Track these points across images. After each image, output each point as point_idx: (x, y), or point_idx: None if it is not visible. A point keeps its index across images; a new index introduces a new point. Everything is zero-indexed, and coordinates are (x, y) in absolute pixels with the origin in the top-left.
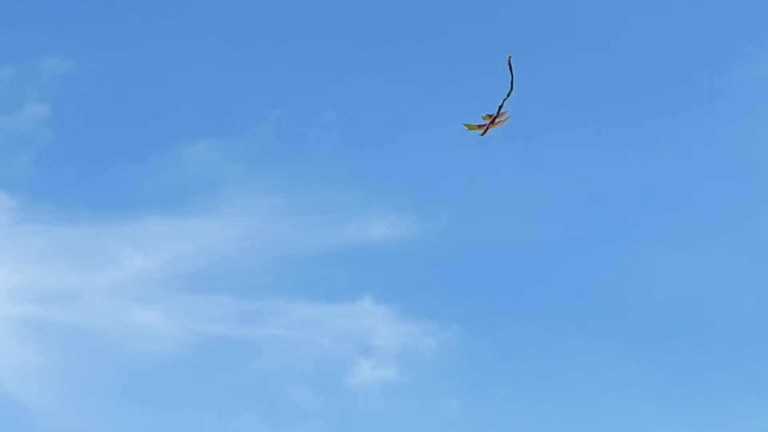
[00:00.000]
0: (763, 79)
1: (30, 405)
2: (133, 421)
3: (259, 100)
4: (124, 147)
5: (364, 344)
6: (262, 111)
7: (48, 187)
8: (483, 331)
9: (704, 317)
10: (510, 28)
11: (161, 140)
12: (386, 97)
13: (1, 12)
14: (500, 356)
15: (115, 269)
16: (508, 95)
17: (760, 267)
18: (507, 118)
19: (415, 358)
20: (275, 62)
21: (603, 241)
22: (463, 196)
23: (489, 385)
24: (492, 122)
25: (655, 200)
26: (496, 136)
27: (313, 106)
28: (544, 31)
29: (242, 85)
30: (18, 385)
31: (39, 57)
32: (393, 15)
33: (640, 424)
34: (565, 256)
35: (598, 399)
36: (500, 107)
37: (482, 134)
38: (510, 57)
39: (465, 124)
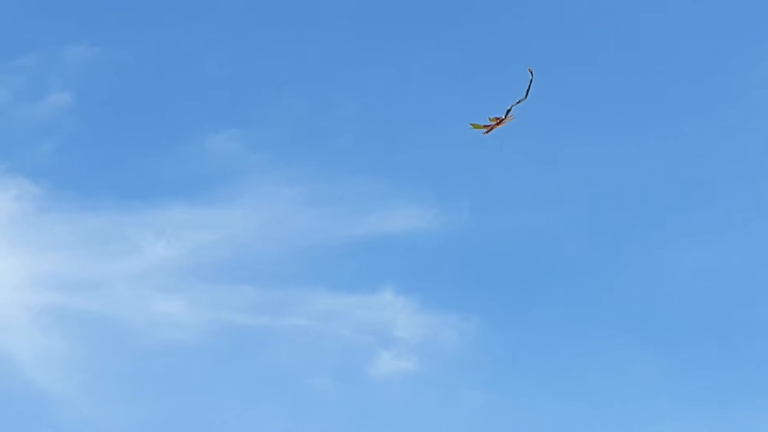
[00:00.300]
0: None
1: (52, 392)
2: (155, 409)
3: (282, 90)
4: (147, 136)
5: (384, 335)
6: (284, 101)
7: (71, 175)
8: (503, 324)
9: (724, 313)
10: (529, 27)
11: (184, 129)
12: (407, 89)
13: (25, 1)
14: (520, 349)
15: (138, 258)
16: (519, 101)
17: None
18: (511, 118)
19: (436, 350)
20: (298, 54)
21: (624, 236)
22: (485, 189)
23: (508, 377)
24: (498, 123)
25: (676, 197)
26: (522, 133)
27: (334, 98)
28: (565, 30)
29: (265, 75)
30: (40, 372)
31: (63, 46)
32: (415, 9)
33: (659, 420)
34: (586, 251)
35: (617, 393)
36: (509, 110)
37: (485, 133)
38: (531, 70)
39: (471, 124)
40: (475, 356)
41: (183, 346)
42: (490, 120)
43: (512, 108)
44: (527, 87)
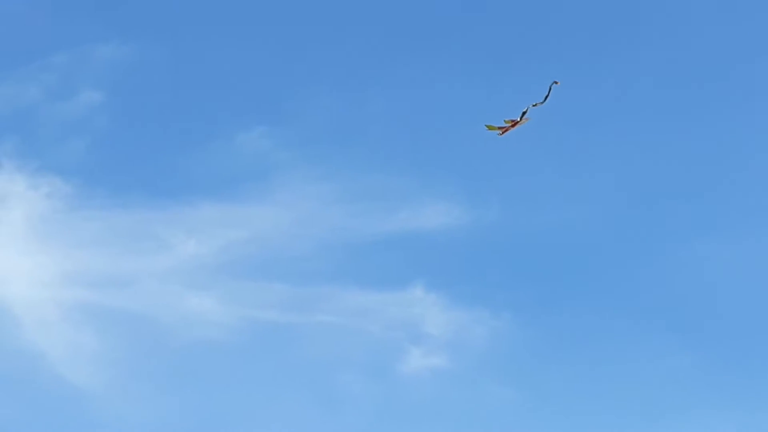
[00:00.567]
0: None
1: (82, 388)
2: (185, 405)
3: (311, 88)
4: (177, 134)
5: (414, 332)
6: (314, 99)
7: (102, 173)
8: (533, 320)
9: (752, 307)
10: (556, 25)
11: (214, 127)
12: (437, 87)
13: (56, 0)
14: (550, 345)
15: (168, 255)
16: (535, 104)
17: None
18: (526, 120)
19: (466, 347)
20: (328, 52)
21: (653, 232)
22: (514, 186)
23: (539, 373)
24: (513, 125)
25: (705, 192)
26: (550, 131)
27: (364, 96)
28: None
29: (295, 73)
30: (71, 368)
31: (94, 44)
32: (446, 9)
33: (691, 413)
34: (616, 247)
35: (647, 388)
36: (524, 113)
37: (500, 134)
38: (557, 83)
39: (486, 125)
40: (506, 353)
41: (213, 343)
42: (505, 122)
43: (528, 110)
44: (546, 93)
